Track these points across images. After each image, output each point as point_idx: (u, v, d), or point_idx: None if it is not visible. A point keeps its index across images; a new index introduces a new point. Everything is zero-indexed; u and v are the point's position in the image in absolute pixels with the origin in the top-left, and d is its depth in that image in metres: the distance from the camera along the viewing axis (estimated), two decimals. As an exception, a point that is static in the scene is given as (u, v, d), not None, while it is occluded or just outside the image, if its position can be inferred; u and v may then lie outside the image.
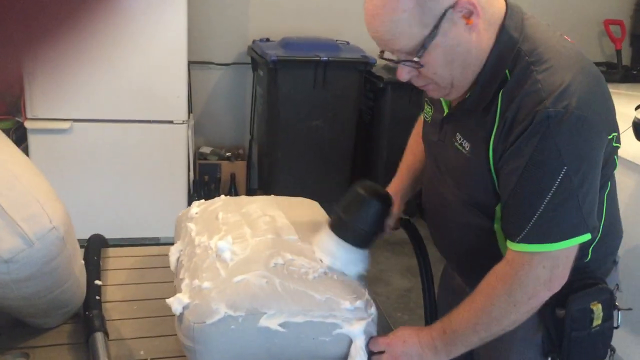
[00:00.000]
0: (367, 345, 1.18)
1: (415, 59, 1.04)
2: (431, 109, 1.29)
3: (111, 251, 1.67)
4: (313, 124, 3.47)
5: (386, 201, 1.32)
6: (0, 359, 1.20)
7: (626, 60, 4.35)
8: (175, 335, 1.27)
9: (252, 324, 1.11)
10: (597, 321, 1.18)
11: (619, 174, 2.06)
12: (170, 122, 3.10)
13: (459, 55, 1.05)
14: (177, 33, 2.99)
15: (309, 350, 1.16)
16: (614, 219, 1.27)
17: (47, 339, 1.27)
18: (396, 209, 1.38)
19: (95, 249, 1.56)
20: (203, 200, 1.55)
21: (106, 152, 3.06)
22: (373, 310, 1.21)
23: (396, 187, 1.44)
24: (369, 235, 1.29)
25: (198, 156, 3.78)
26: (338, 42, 3.61)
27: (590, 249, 1.18)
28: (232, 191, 3.72)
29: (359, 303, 1.19)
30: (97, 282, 1.42)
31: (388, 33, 1.03)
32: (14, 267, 1.04)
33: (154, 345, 1.28)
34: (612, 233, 1.26)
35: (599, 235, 1.17)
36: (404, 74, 1.09)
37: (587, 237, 1.04)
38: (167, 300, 1.15)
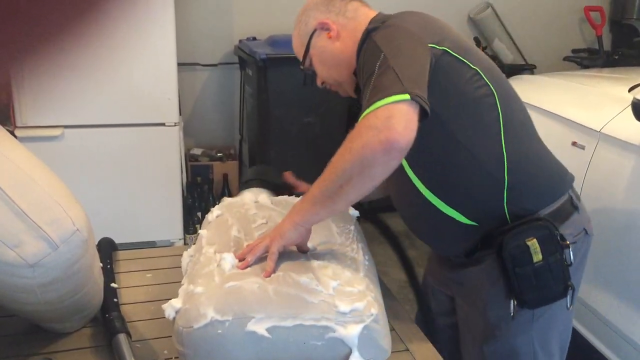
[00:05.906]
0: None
1: (307, 65, 1.44)
2: None
3: (121, 254, 1.66)
4: (305, 121, 3.48)
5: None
6: (23, 365, 1.19)
7: (607, 45, 4.42)
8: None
9: (239, 329, 1.08)
10: (536, 256, 1.26)
11: (617, 156, 2.10)
12: (162, 124, 3.08)
13: (328, 58, 1.41)
14: (166, 35, 2.96)
15: (299, 355, 1.11)
16: (528, 157, 1.33)
17: (69, 343, 1.26)
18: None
19: (106, 252, 1.56)
20: (229, 200, 1.56)
21: (99, 157, 3.03)
22: (374, 310, 1.14)
23: None
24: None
25: (189, 158, 3.76)
26: (325, 38, 3.62)
27: (504, 190, 1.28)
28: (226, 191, 3.71)
29: (357, 305, 1.12)
30: (113, 284, 1.41)
31: (294, 48, 1.49)
32: (40, 272, 1.03)
33: (176, 344, 1.27)
34: (531, 172, 1.32)
35: (505, 166, 1.26)
36: (316, 80, 1.48)
37: (406, 96, 1.12)
38: (163, 306, 1.15)
